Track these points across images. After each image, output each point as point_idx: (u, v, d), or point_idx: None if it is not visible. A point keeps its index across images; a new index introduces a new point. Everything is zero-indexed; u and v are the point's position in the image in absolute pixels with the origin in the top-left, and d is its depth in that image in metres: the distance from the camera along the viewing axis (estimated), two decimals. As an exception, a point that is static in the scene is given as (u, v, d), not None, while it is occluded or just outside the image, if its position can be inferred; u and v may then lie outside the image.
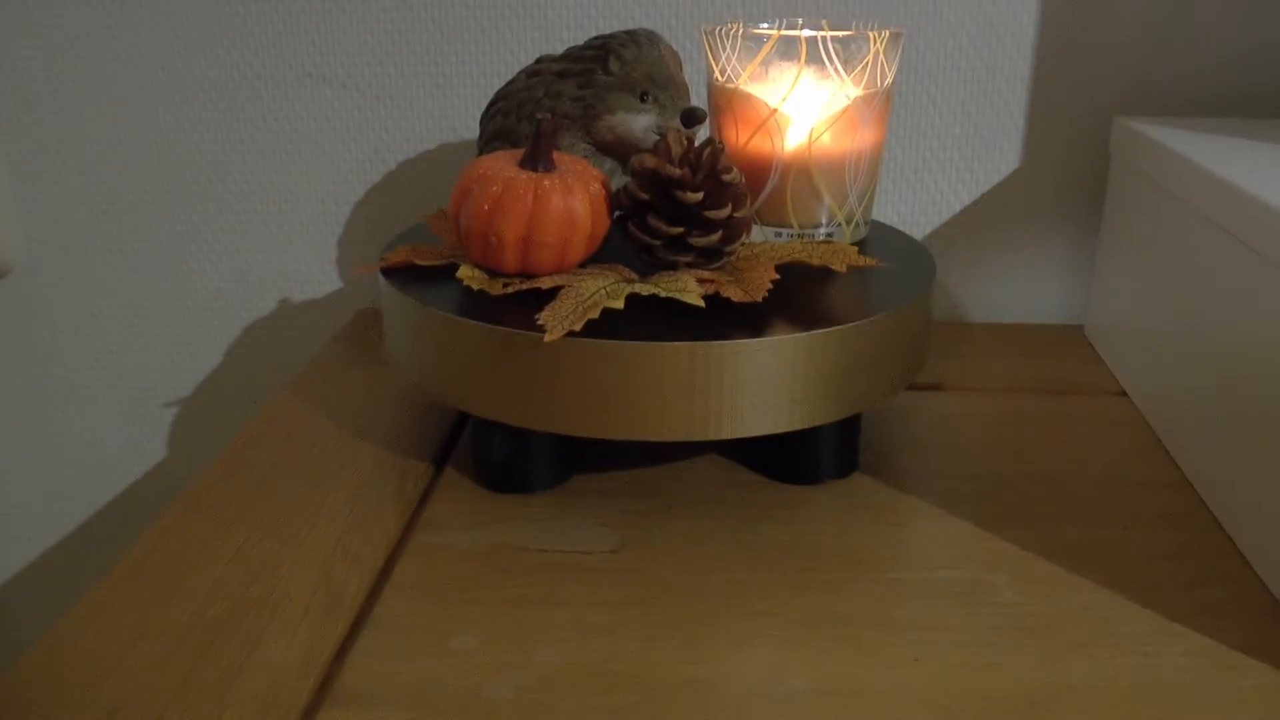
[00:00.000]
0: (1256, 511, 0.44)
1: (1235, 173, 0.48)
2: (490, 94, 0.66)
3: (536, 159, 0.47)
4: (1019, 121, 0.68)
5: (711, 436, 0.45)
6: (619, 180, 0.53)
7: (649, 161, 0.48)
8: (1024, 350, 0.66)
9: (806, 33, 0.52)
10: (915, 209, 0.70)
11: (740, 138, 0.53)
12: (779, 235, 0.54)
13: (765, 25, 0.57)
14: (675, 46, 0.54)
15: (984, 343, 0.68)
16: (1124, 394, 0.60)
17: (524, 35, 0.68)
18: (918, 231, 0.70)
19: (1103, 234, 0.66)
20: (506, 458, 0.49)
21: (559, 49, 0.60)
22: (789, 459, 0.50)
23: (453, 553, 0.45)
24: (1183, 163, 0.53)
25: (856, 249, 0.51)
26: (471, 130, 0.70)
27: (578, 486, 0.50)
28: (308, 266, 0.74)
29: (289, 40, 0.69)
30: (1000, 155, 0.69)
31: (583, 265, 0.49)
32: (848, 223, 0.54)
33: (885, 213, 0.70)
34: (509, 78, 0.62)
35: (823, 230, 0.54)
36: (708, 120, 0.54)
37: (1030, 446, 0.54)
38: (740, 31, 0.52)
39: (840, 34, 0.51)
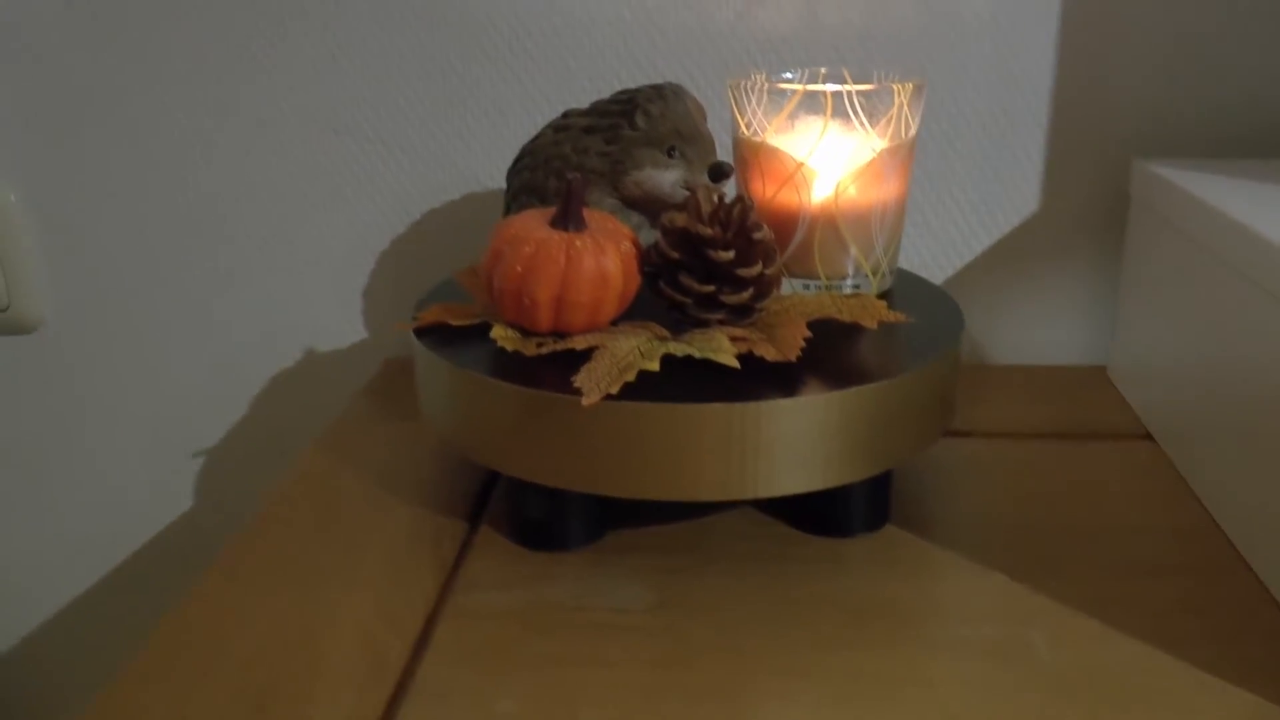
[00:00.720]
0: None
1: (1254, 216, 0.48)
2: (514, 145, 0.66)
3: (567, 218, 0.48)
4: (1038, 165, 0.68)
5: (748, 496, 0.45)
6: (647, 235, 0.53)
7: (679, 220, 0.48)
8: (1048, 393, 0.66)
9: (831, 87, 0.52)
10: (936, 253, 0.70)
11: (767, 191, 0.54)
12: (806, 287, 0.54)
13: (789, 76, 0.57)
14: (699, 98, 0.54)
15: (1008, 386, 0.68)
16: (1149, 437, 0.60)
17: (547, 87, 0.69)
18: (939, 274, 0.71)
19: (1124, 276, 0.66)
20: (542, 516, 0.50)
21: (583, 101, 0.60)
22: (823, 513, 0.51)
23: (492, 613, 0.46)
24: (1202, 206, 0.53)
25: (886, 304, 0.51)
26: (495, 181, 0.71)
27: (613, 543, 0.50)
28: (333, 318, 0.75)
29: (314, 95, 0.70)
30: (1020, 198, 0.69)
31: (614, 322, 0.49)
32: (874, 273, 0.55)
33: (906, 257, 0.70)
34: (532, 130, 0.63)
35: (849, 281, 0.55)
36: (734, 174, 0.54)
37: (1060, 494, 0.54)
38: (765, 85, 0.53)
39: (865, 88, 0.52)
